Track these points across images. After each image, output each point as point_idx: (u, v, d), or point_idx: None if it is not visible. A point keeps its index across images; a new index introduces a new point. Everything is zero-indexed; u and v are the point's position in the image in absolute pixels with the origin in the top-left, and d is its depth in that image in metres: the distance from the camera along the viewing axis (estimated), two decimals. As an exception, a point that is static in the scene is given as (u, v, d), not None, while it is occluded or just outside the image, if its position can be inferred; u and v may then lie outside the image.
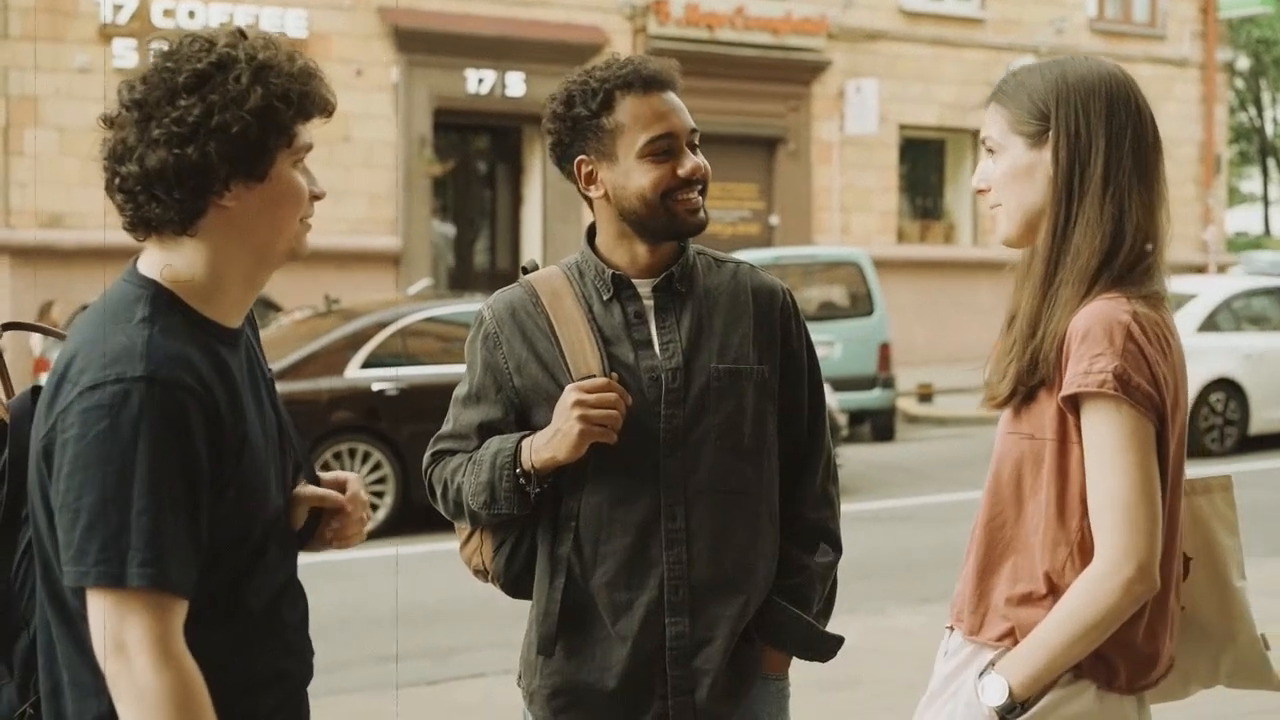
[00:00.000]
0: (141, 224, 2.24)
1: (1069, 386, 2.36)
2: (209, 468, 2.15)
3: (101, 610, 2.09)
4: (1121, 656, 2.41)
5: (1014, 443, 2.48)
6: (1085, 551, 2.38)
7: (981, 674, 2.42)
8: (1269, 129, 48.29)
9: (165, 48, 2.24)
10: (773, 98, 23.11)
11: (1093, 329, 2.36)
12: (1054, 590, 2.40)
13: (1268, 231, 47.15)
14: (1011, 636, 2.43)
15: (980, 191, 2.59)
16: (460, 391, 2.95)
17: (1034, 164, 2.50)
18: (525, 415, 2.86)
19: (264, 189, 2.23)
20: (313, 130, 2.31)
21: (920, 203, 25.95)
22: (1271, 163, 48.97)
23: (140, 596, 2.07)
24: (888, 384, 16.15)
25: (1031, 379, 2.44)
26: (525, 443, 2.79)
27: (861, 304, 16.07)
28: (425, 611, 8.85)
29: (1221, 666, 2.59)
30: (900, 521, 10.82)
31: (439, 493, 2.95)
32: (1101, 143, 2.46)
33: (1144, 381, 2.33)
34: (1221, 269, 25.85)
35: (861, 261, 16.42)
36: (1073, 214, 2.46)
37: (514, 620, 6.78)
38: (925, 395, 19.17)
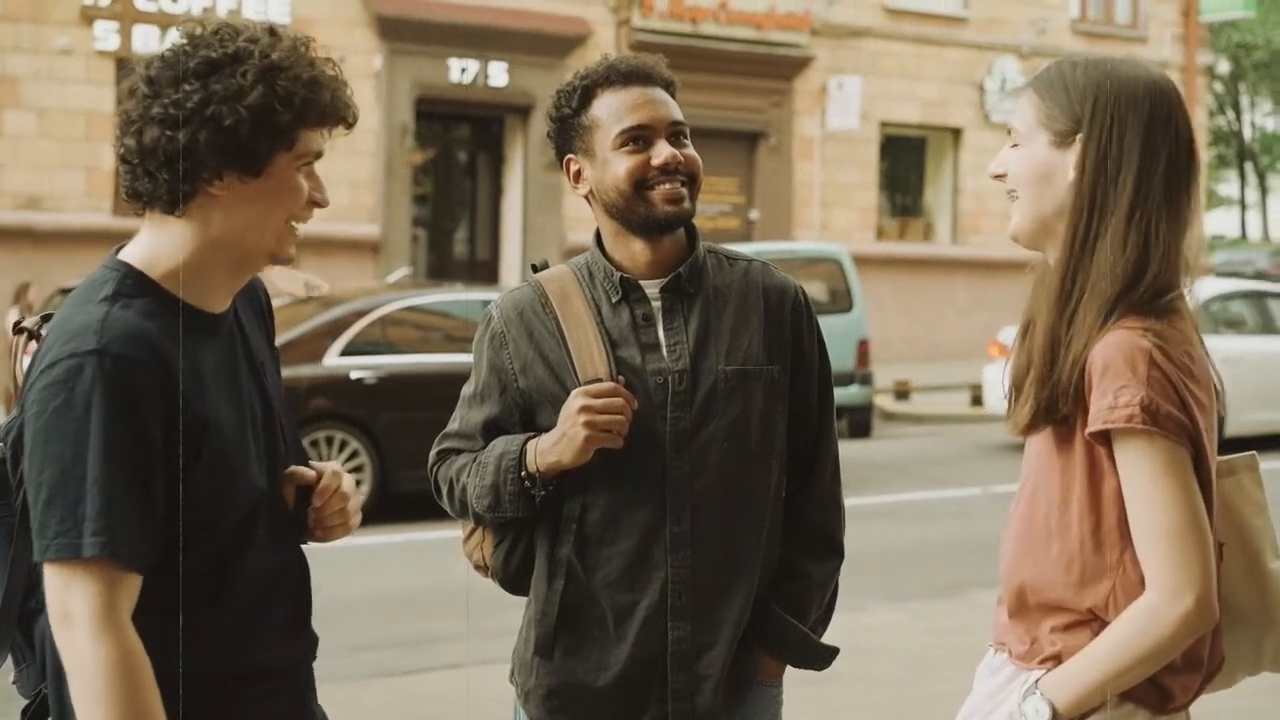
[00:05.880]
0: (134, 196, 2.28)
1: (1095, 423, 2.27)
2: (162, 444, 2.17)
3: (52, 581, 2.12)
4: (1175, 680, 2.35)
5: (1045, 476, 2.40)
6: (1128, 584, 2.31)
7: (1025, 694, 2.35)
8: (1247, 132, 48.49)
9: (195, 31, 2.26)
10: (755, 92, 23.13)
11: (1113, 361, 2.26)
12: (1098, 620, 2.33)
13: (1244, 235, 47.35)
14: (1057, 659, 2.36)
15: (997, 177, 2.46)
16: (466, 390, 2.94)
17: (1054, 166, 2.37)
18: (530, 416, 2.84)
19: (258, 184, 2.26)
20: (328, 136, 2.33)
21: (900, 200, 25.99)
22: (1249, 166, 49.16)
23: (89, 567, 2.09)
24: (865, 380, 16.16)
25: (1054, 414, 2.33)
26: (530, 445, 2.77)
27: (841, 300, 16.06)
28: (400, 601, 8.84)
29: (1265, 652, 2.50)
30: (877, 518, 10.82)
31: (444, 491, 2.94)
32: (1135, 162, 2.32)
33: (1173, 408, 2.24)
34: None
35: (841, 258, 16.41)
36: (1093, 231, 2.32)
37: (489, 611, 6.76)
38: (902, 392, 19.21)
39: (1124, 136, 2.32)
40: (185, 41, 2.25)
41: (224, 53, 2.22)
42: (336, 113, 2.31)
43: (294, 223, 2.33)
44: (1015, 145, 2.44)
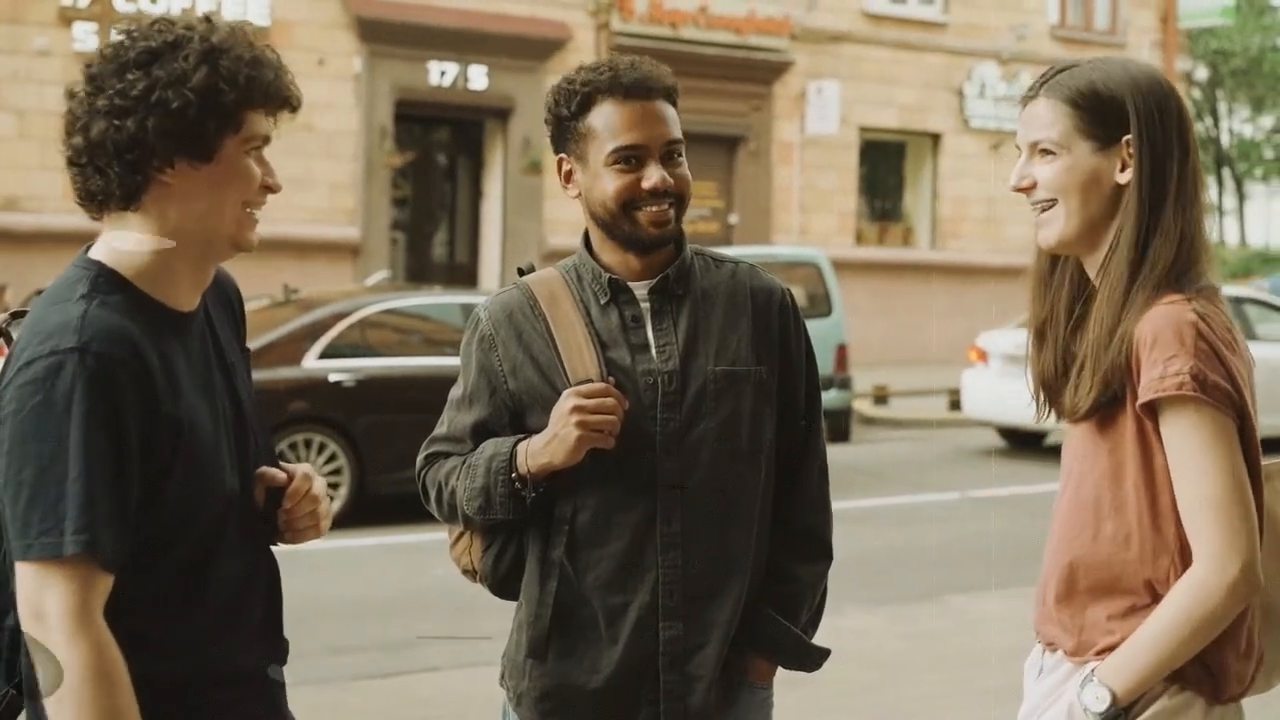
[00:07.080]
0: (87, 197, 2.27)
1: (1146, 393, 2.33)
2: (140, 443, 2.16)
3: (26, 580, 2.10)
4: (1231, 668, 2.38)
5: (1091, 460, 2.45)
6: (1187, 558, 2.35)
7: (1083, 683, 2.39)
8: (1225, 139, 48.68)
9: (131, 28, 2.27)
10: (735, 97, 23.14)
11: (1162, 333, 2.33)
12: (1158, 600, 2.37)
13: (1221, 241, 47.52)
14: (1115, 649, 2.39)
15: (1023, 189, 2.53)
16: (455, 393, 2.94)
17: (1100, 170, 2.46)
18: (520, 418, 2.84)
19: (209, 170, 2.25)
20: (274, 123, 2.32)
21: (879, 205, 26.03)
22: (1226, 172, 49.36)
23: (65, 565, 2.08)
24: (844, 385, 16.15)
25: (1108, 392, 2.39)
26: (521, 447, 2.77)
27: (819, 304, 16.05)
28: (379, 604, 8.83)
29: None
30: (855, 523, 10.83)
31: (433, 495, 2.94)
32: (1175, 154, 2.45)
33: (1220, 379, 2.31)
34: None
35: (820, 262, 16.40)
36: (1152, 226, 2.43)
37: (469, 614, 6.75)
38: (881, 397, 19.23)
39: (1166, 132, 2.44)
40: (123, 37, 2.26)
41: (163, 41, 2.23)
42: (280, 94, 2.31)
43: (250, 209, 2.32)
44: (1046, 153, 2.49)
